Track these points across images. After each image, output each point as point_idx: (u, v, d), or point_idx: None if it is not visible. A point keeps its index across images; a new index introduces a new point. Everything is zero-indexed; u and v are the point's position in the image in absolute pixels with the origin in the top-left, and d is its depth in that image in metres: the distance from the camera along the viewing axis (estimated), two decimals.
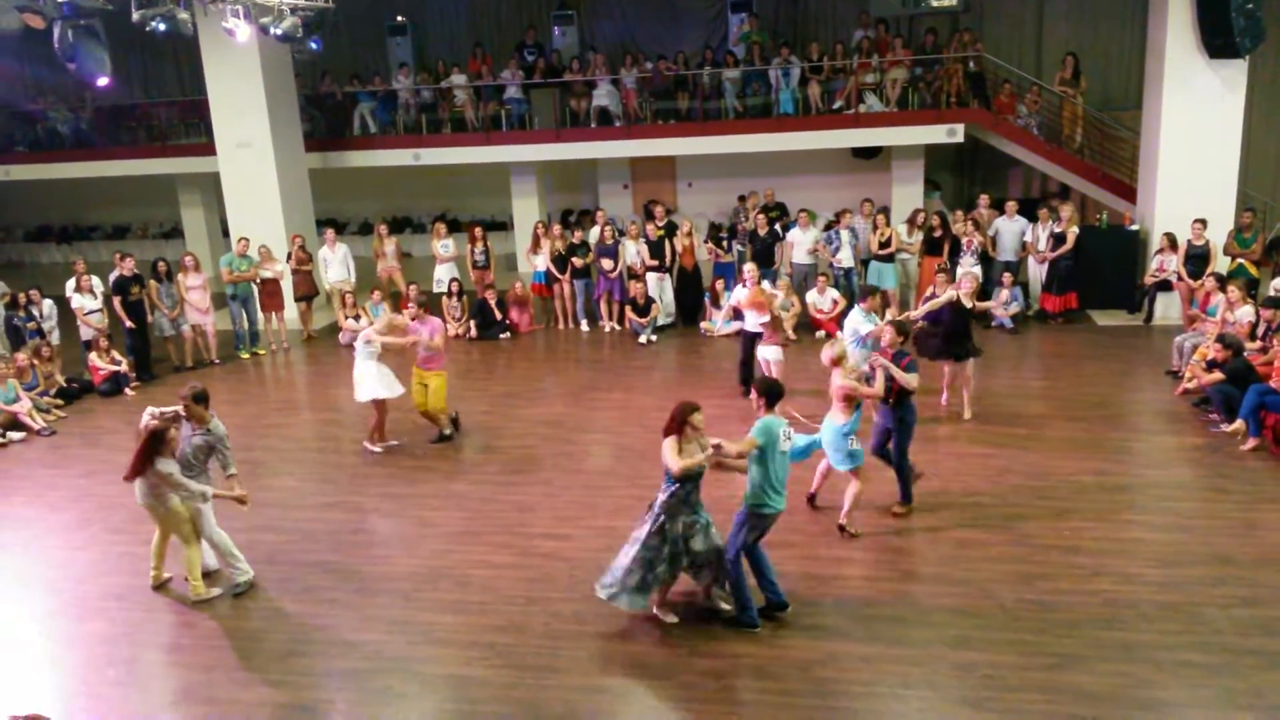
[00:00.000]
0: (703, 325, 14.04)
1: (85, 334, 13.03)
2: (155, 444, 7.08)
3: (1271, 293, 11.13)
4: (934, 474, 8.65)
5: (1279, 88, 16.50)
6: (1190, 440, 9.58)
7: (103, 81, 10.28)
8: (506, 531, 8.28)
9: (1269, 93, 16.27)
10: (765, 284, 11.33)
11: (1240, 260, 12.60)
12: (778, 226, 14.69)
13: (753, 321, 10.72)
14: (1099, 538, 7.68)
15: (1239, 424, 9.26)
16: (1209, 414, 9.96)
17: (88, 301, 13.04)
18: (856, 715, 5.77)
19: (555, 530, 8.25)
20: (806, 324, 13.68)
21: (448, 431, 10.35)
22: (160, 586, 7.61)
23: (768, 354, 10.36)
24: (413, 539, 8.27)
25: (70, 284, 13.16)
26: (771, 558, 6.94)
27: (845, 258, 14.12)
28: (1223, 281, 11.51)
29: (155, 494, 7.23)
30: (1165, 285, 13.21)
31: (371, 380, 9.90)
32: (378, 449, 10.17)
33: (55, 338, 13.02)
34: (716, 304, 13.90)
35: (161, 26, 11.05)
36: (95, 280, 13.22)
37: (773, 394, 6.56)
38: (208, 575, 7.56)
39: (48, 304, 13.15)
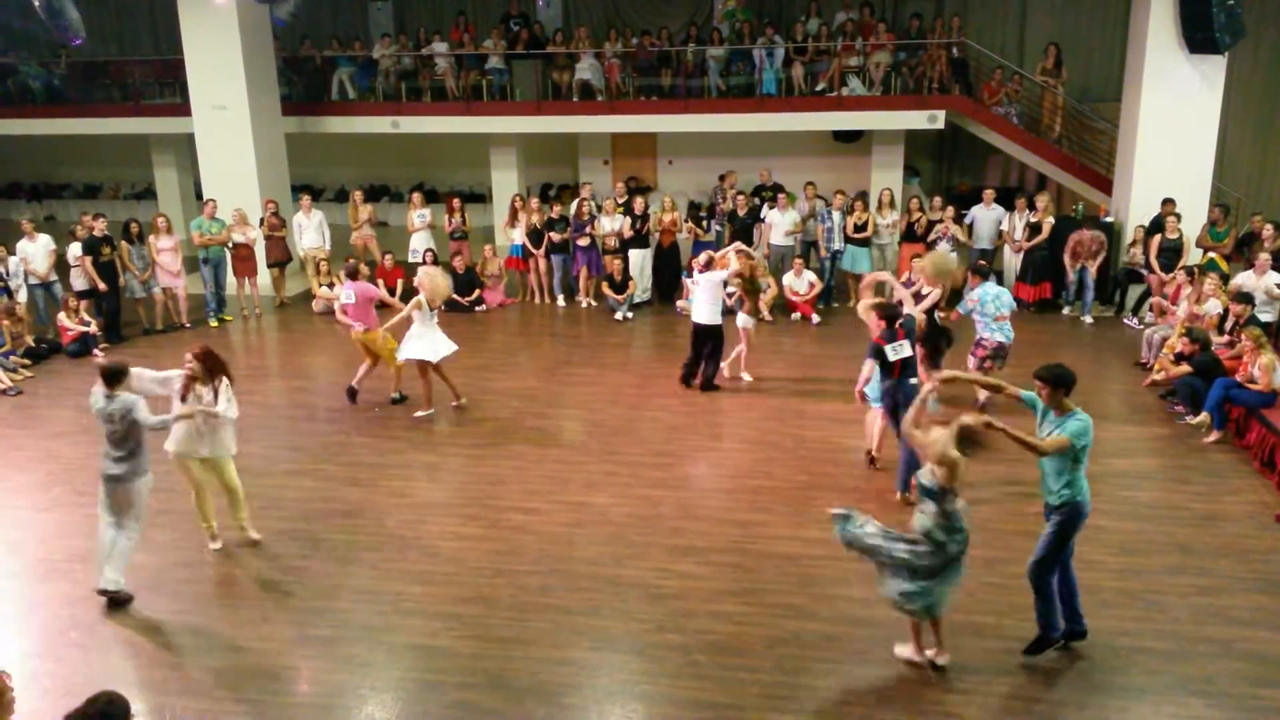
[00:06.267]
0: (679, 303, 14.02)
1: (78, 285, 13.15)
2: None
3: (1240, 288, 11.26)
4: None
5: (1256, 84, 16.64)
6: (1155, 431, 9.71)
7: (77, 41, 10.08)
8: (476, 504, 8.28)
9: (1246, 89, 16.40)
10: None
11: (1212, 255, 12.74)
12: (764, 207, 14.65)
13: (703, 311, 10.64)
14: None
15: (1204, 416, 9.41)
16: (1175, 406, 10.10)
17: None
18: (818, 692, 5.84)
19: (525, 504, 8.26)
20: (782, 305, 13.71)
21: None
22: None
23: (741, 321, 10.93)
24: (382, 509, 8.25)
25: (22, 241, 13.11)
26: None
27: (833, 240, 14.12)
28: (1193, 275, 11.64)
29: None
30: (1137, 277, 13.33)
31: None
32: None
33: (22, 295, 12.83)
34: None
35: None
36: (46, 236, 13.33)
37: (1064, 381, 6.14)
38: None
39: (14, 261, 12.95)
